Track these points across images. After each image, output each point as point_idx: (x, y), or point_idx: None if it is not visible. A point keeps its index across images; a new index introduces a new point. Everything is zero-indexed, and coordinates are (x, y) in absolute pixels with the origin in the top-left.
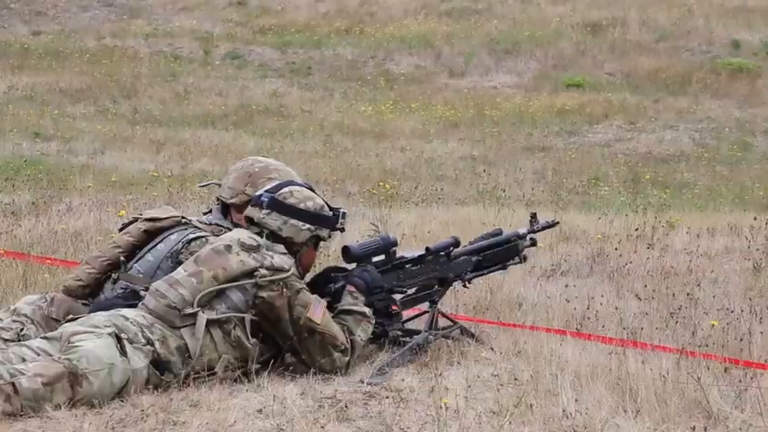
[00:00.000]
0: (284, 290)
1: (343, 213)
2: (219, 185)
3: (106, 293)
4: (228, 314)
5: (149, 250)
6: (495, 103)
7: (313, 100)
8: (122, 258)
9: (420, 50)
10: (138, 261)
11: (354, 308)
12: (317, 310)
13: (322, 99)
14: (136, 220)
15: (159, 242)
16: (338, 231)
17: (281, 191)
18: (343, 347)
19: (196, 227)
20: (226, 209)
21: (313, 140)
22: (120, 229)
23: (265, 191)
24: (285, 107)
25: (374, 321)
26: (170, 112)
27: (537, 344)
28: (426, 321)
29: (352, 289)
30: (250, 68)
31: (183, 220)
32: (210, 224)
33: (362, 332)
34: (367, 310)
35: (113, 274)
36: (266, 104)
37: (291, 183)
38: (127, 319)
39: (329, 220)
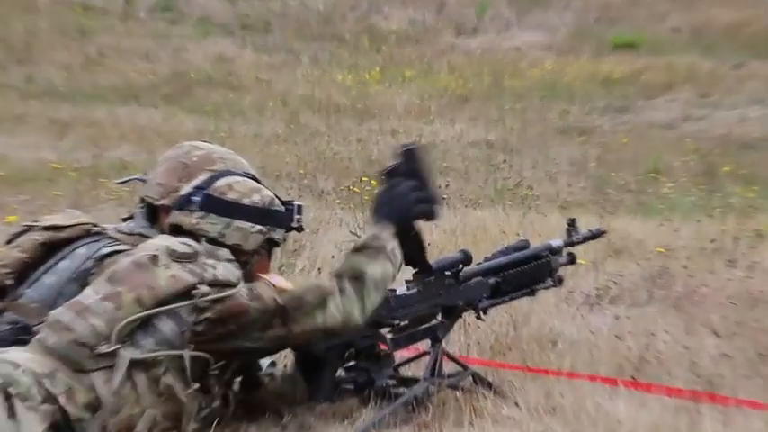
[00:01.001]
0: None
1: (299, 207)
2: (144, 182)
3: None
4: (158, 352)
5: (47, 270)
6: (517, 69)
7: (273, 66)
8: (9, 281)
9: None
10: (31, 285)
11: (369, 241)
12: (277, 279)
13: (285, 65)
14: (29, 228)
15: (61, 258)
16: (295, 231)
17: (216, 184)
18: (330, 287)
19: (112, 238)
20: (153, 213)
21: (273, 120)
22: (8, 242)
23: (194, 187)
24: (235, 76)
25: (399, 261)
26: (78, 82)
27: (577, 397)
28: (427, 366)
29: (376, 219)
30: (188, 24)
31: (95, 229)
32: (132, 234)
33: (379, 264)
34: (390, 238)
35: None
36: (209, 72)
37: (228, 173)
38: (17, 366)
39: (282, 218)
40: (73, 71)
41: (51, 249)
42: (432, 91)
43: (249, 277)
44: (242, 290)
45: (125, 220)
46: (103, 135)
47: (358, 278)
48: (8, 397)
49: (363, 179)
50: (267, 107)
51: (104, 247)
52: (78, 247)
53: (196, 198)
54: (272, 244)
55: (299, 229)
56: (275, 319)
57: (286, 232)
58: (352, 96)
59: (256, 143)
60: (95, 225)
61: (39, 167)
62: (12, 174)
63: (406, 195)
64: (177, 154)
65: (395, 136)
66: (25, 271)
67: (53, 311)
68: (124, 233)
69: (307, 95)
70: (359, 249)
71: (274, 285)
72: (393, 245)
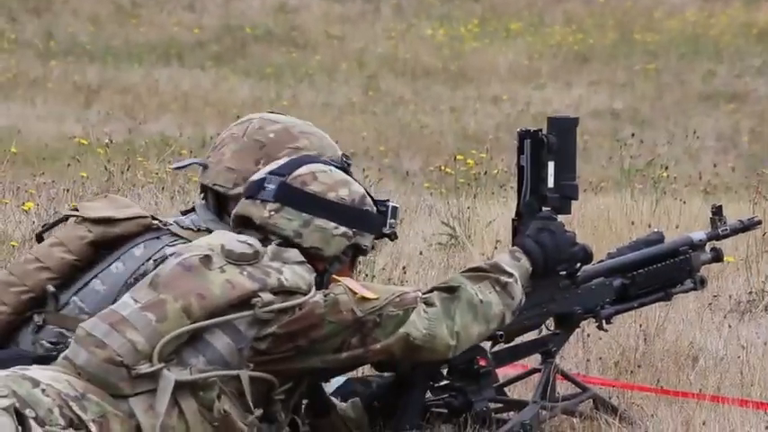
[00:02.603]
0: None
1: (394, 209)
2: (206, 166)
3: (23, 345)
4: (211, 373)
5: (98, 274)
6: (651, 21)
7: (346, 19)
8: (52, 287)
9: None
10: (78, 292)
11: (483, 265)
12: (358, 286)
13: (361, 17)
14: (67, 218)
15: (115, 260)
16: (387, 238)
17: (297, 172)
18: (414, 297)
19: (176, 235)
20: (221, 204)
21: (346, 86)
22: (39, 235)
23: (269, 173)
24: (300, 31)
25: (519, 288)
26: (107, 38)
27: (725, 426)
28: (537, 386)
29: (516, 249)
30: None
31: (155, 224)
32: (199, 230)
33: (481, 290)
34: (513, 272)
35: (36, 315)
36: (268, 26)
37: (311, 159)
38: (36, 384)
39: (374, 220)
40: (101, 25)
41: (100, 247)
42: (543, 48)
43: (325, 288)
44: (315, 297)
45: (186, 213)
46: (139, 104)
47: (451, 291)
48: (22, 420)
49: (458, 157)
50: (339, 69)
51: (167, 246)
52: (134, 247)
53: (271, 186)
54: (357, 251)
55: (393, 237)
56: (353, 338)
57: (376, 239)
58: (443, 56)
59: (326, 113)
60: (155, 219)
61: (61, 143)
62: (29, 151)
63: (565, 241)
64: (246, 130)
65: (497, 104)
66: (71, 274)
67: (83, 323)
68: (189, 229)
69: (388, 55)
70: (467, 270)
71: (353, 292)
72: (512, 281)
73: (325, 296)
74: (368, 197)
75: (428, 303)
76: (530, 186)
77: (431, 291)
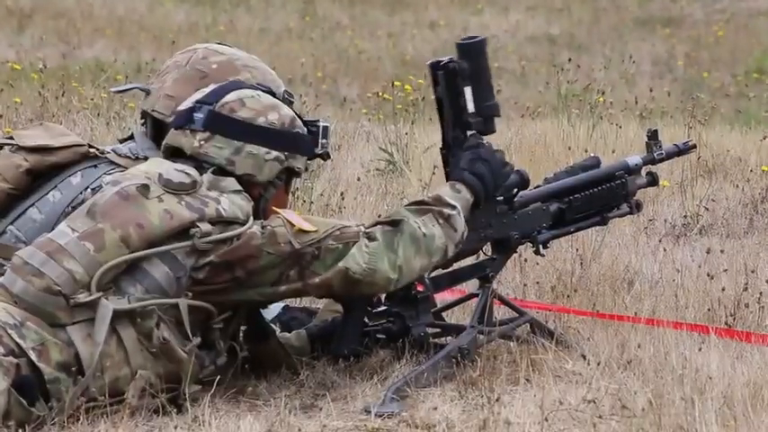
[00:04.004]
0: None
1: (325, 129)
2: (148, 92)
3: None
4: (149, 302)
5: (35, 203)
6: None
7: None
8: None
9: None
10: (15, 221)
11: (426, 198)
12: (297, 219)
13: None
14: (1, 147)
15: (52, 189)
16: (319, 158)
17: (224, 100)
18: (355, 232)
19: (113, 163)
20: (159, 132)
21: (283, 11)
22: None
23: (196, 102)
24: None
25: (462, 221)
26: None
27: (659, 349)
28: (474, 311)
29: (455, 182)
30: None
31: (92, 152)
32: (137, 157)
33: (425, 222)
34: (455, 204)
35: None
36: None
37: (238, 86)
38: None
39: (305, 142)
40: None
41: (37, 176)
42: None
43: (262, 214)
44: (253, 228)
45: (123, 141)
46: (73, 28)
47: (394, 225)
48: None
49: (396, 84)
50: None
51: (105, 174)
52: (72, 175)
53: (199, 115)
54: (291, 174)
55: (325, 157)
56: (291, 270)
57: (308, 160)
58: None
59: (263, 39)
60: (92, 147)
61: None
62: None
63: (500, 167)
64: (191, 59)
65: (434, 30)
66: (8, 203)
67: (20, 251)
68: (127, 157)
69: None
70: (410, 203)
71: (291, 224)
72: (455, 213)
73: (262, 227)
74: (298, 119)
75: (370, 238)
76: (452, 117)
77: (374, 224)
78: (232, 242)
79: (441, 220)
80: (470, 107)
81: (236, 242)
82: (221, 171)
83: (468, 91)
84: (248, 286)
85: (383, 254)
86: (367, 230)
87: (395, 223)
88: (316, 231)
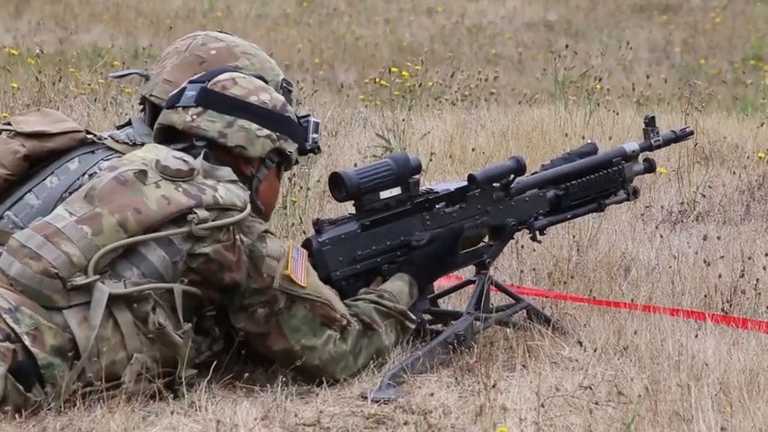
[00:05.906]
0: (238, 238)
1: (315, 124)
2: (147, 78)
3: None
4: (145, 286)
5: (32, 188)
6: None
7: None
8: None
9: None
10: (13, 206)
11: (385, 297)
12: (297, 265)
13: None
14: (0, 132)
15: (50, 174)
16: (311, 154)
17: (217, 78)
18: (343, 323)
19: (111, 149)
20: (156, 118)
21: None
22: None
23: (189, 82)
24: None
25: (414, 324)
26: None
27: (655, 335)
28: (471, 298)
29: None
30: None
31: (90, 138)
32: (135, 143)
33: (390, 328)
34: (415, 320)
35: None
36: None
37: (230, 69)
38: None
39: (297, 128)
40: None
41: (35, 162)
42: None
43: (255, 197)
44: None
45: (121, 127)
46: (70, 13)
47: (368, 329)
48: None
49: (393, 70)
50: None
51: (102, 160)
52: (69, 161)
53: (191, 92)
54: (282, 159)
55: (316, 151)
56: (262, 308)
57: (300, 155)
58: None
59: (260, 25)
60: (89, 133)
61: None
62: None
63: (441, 262)
64: (190, 45)
65: (432, 16)
66: (6, 189)
67: (17, 234)
68: (125, 143)
69: None
70: (378, 302)
71: (286, 264)
72: (413, 327)
73: (261, 237)
74: (289, 106)
75: (343, 337)
76: None
77: (357, 304)
78: (229, 236)
79: (398, 327)
80: None
81: (233, 240)
82: (213, 145)
83: None
84: (227, 298)
85: (343, 359)
86: (349, 315)
87: (370, 328)
88: (303, 288)
